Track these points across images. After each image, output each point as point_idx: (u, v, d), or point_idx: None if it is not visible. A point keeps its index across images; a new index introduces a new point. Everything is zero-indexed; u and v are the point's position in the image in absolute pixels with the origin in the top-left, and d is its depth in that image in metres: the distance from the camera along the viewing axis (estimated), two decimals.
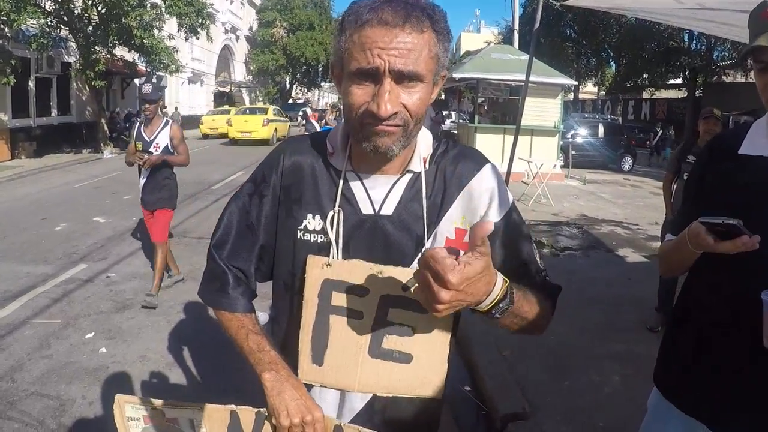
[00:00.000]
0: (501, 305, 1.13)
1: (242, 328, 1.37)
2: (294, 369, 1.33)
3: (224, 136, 30.07)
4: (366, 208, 1.31)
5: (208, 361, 4.49)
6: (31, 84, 22.19)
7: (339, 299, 1.28)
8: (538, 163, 12.66)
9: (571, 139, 18.80)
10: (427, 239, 1.30)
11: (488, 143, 15.23)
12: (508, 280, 1.15)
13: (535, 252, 1.38)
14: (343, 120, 1.31)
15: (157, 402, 1.35)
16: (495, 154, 14.50)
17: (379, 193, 1.31)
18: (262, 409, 1.30)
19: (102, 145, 22.82)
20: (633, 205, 12.41)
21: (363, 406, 1.34)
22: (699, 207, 1.60)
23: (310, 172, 1.36)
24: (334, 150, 1.35)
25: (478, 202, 1.32)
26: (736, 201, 1.54)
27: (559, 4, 6.63)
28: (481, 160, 1.38)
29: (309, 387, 1.34)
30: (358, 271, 1.26)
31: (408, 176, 1.32)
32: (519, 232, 1.36)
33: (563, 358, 4.57)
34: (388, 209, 1.31)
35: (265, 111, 29.80)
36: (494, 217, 1.32)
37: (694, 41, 33.37)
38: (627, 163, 20.07)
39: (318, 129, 21.61)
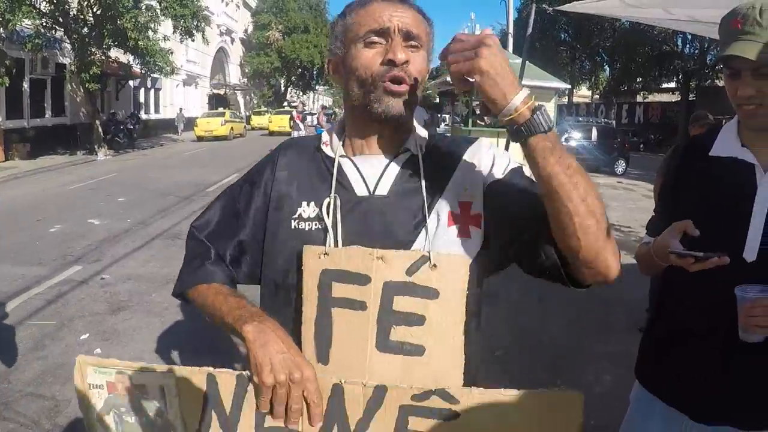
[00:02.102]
0: (539, 112, 1.04)
1: (219, 294, 1.26)
2: None
3: (219, 138, 32.46)
4: (360, 190, 1.27)
5: (202, 362, 4.43)
6: (26, 85, 22.20)
7: (340, 290, 1.19)
8: None
9: (564, 143, 18.76)
10: (429, 216, 1.23)
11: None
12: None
13: None
14: (343, 110, 1.36)
15: (123, 364, 1.21)
16: None
17: (373, 174, 1.28)
18: (244, 372, 1.13)
19: (96, 147, 22.80)
20: (625, 208, 12.46)
21: None
22: (674, 206, 1.67)
23: (304, 163, 1.35)
24: (329, 140, 1.36)
25: (479, 166, 1.29)
26: (708, 200, 1.61)
27: (551, 9, 6.68)
28: (476, 138, 1.38)
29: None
30: (357, 258, 1.18)
31: (403, 156, 1.30)
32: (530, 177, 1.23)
33: (555, 357, 4.61)
34: (383, 189, 1.26)
35: (290, 113, 36.03)
36: (498, 173, 1.28)
37: (688, 45, 33.68)
38: (620, 166, 20.12)
39: (302, 128, 21.68)
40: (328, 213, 1.24)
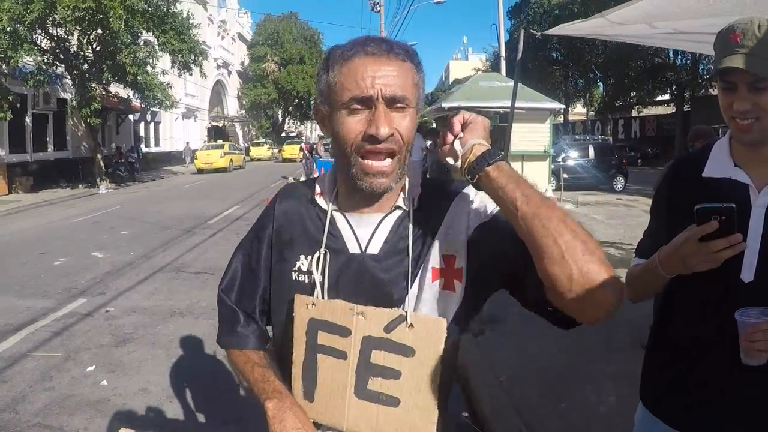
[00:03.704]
0: (487, 155, 1.16)
1: (248, 362, 1.39)
2: None
3: (219, 170, 32.74)
4: (353, 247, 1.31)
5: (208, 393, 4.53)
6: (28, 120, 22.54)
7: (324, 338, 1.29)
8: None
9: (562, 162, 18.91)
10: (413, 279, 1.28)
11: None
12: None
13: None
14: (333, 159, 1.36)
15: None
16: None
17: (365, 232, 1.31)
18: None
19: (98, 180, 22.98)
20: (626, 225, 12.46)
21: None
22: (665, 228, 1.62)
23: (299, 214, 1.39)
24: (322, 191, 1.38)
25: (462, 218, 1.30)
26: None
27: (539, 34, 6.76)
28: (463, 186, 1.33)
29: (318, 426, 1.31)
30: (339, 311, 1.27)
31: (395, 214, 1.32)
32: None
33: (559, 379, 4.59)
34: (374, 248, 1.30)
35: (299, 143, 41.94)
36: (480, 219, 1.28)
37: (680, 57, 33.73)
38: (619, 183, 20.14)
39: (309, 157, 21.94)
40: (317, 267, 1.31)
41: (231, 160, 34.46)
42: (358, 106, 1.19)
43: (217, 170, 32.68)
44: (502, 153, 1.16)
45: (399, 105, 1.20)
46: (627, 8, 3.78)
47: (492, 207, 1.26)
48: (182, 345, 5.61)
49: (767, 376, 1.49)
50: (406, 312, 1.24)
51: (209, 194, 20.47)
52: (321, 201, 1.37)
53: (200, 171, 32.77)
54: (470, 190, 1.32)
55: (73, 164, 25.38)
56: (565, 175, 17.58)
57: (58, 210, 16.77)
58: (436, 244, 1.29)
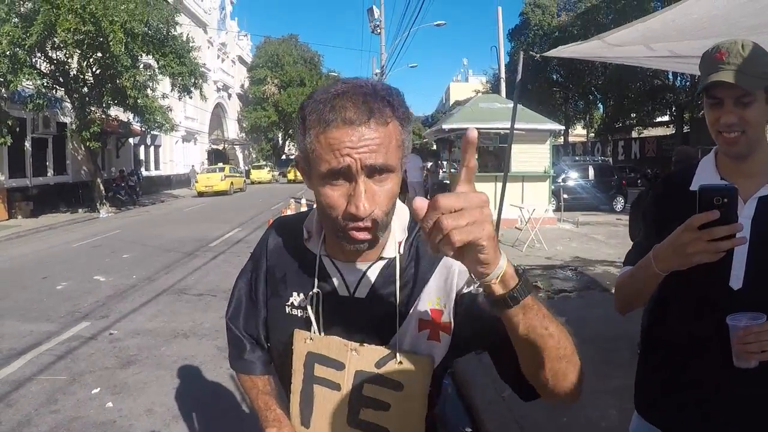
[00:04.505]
0: (519, 284, 0.96)
1: (254, 389, 1.55)
2: None
3: (219, 193, 32.72)
4: (342, 291, 1.35)
5: (212, 413, 4.56)
6: (28, 144, 22.58)
7: (320, 371, 1.37)
8: (530, 209, 12.77)
9: (562, 183, 19.00)
10: (400, 323, 1.30)
11: (480, 191, 15.43)
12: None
13: None
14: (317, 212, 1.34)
15: None
16: None
17: (353, 278, 1.35)
18: None
19: (98, 204, 23.01)
20: (626, 244, 12.29)
21: None
22: (652, 240, 1.63)
23: (291, 254, 1.45)
24: (309, 235, 1.41)
25: (453, 275, 1.29)
26: None
27: (539, 56, 6.87)
28: None
29: None
30: (334, 347, 1.35)
31: (381, 262, 1.34)
32: None
33: None
34: (361, 293, 1.34)
35: None
36: (462, 283, 1.28)
37: (679, 78, 33.92)
38: (619, 203, 20.24)
39: None
40: (311, 305, 1.37)
41: (231, 183, 34.51)
42: (338, 179, 1.15)
43: (217, 193, 32.74)
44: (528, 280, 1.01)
45: (380, 173, 1.15)
46: (624, 31, 3.86)
47: None
48: (186, 366, 5.64)
49: (760, 376, 1.53)
50: (396, 350, 1.30)
51: (210, 217, 20.52)
52: (310, 245, 1.40)
53: (201, 194, 32.82)
54: None
55: (73, 188, 25.48)
56: (566, 196, 17.68)
57: (59, 234, 16.80)
58: (424, 296, 1.30)
